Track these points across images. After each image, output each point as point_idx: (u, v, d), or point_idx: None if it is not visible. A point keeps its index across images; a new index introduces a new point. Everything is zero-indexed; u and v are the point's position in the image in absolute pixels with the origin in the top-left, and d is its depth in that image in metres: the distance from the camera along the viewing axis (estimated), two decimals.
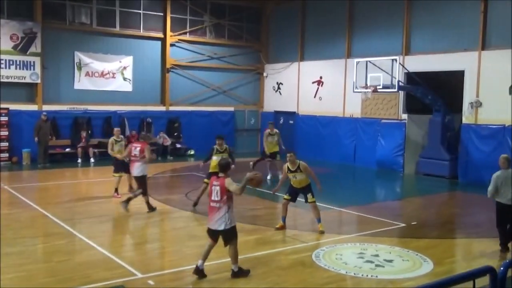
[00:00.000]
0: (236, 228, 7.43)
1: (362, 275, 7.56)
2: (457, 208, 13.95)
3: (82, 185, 15.81)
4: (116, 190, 13.12)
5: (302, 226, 10.65)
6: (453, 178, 17.37)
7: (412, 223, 11.07)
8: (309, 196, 10.06)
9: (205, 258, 7.38)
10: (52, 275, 7.37)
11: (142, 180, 11.57)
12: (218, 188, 7.20)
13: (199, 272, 7.28)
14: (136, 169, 11.53)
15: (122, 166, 12.95)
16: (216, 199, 7.21)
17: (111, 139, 13.45)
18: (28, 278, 7.20)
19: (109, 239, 9.43)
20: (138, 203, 12.52)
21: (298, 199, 10.34)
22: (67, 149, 19.82)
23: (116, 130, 13.88)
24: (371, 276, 7.54)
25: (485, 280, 3.60)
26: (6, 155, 18.60)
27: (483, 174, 16.53)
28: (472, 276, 3.55)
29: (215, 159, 11.47)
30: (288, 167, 10.05)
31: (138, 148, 11.52)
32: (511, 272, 3.70)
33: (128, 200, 11.29)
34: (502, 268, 3.60)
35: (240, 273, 7.38)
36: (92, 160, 19.45)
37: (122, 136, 13.84)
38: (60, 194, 14.15)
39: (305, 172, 9.98)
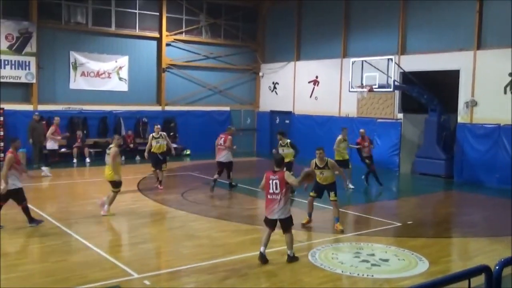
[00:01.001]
0: (292, 217, 8.15)
1: (358, 274, 7.57)
2: (453, 207, 13.99)
3: (78, 185, 15.77)
4: (160, 182, 14.34)
5: (299, 226, 10.65)
6: (448, 177, 17.43)
7: (408, 223, 11.10)
8: (331, 194, 10.26)
9: (266, 244, 8.03)
10: (49, 276, 7.35)
11: (229, 165, 14.20)
12: (277, 181, 7.93)
13: (263, 258, 7.94)
14: (222, 156, 14.13)
15: (157, 162, 14.27)
16: (276, 191, 7.92)
17: (151, 136, 14.61)
18: (25, 279, 7.18)
19: (106, 239, 9.42)
20: (135, 203, 12.52)
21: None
22: (63, 149, 19.74)
23: (156, 127, 14.75)
24: (367, 275, 7.56)
25: (480, 279, 3.62)
26: (1, 155, 18.51)
27: (478, 173, 16.66)
28: (467, 275, 3.56)
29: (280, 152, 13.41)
30: (316, 163, 10.22)
31: (223, 139, 14.19)
32: (506, 271, 3.72)
33: (214, 181, 13.97)
34: (497, 267, 3.61)
35: (294, 258, 8.04)
36: (87, 160, 19.40)
37: (162, 133, 14.67)
38: (56, 194, 14.12)
39: (332, 169, 10.20)
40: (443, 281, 3.39)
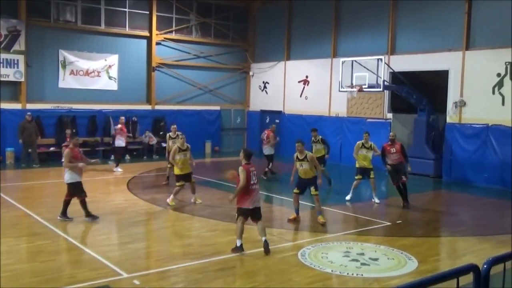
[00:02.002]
0: None
1: (348, 273, 7.59)
2: (442, 206, 14.07)
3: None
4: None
5: (288, 225, 10.67)
6: (437, 177, 17.54)
7: (397, 222, 11.17)
8: (312, 188, 10.60)
9: (242, 235, 8.46)
10: (37, 275, 7.30)
11: (269, 157, 16.51)
12: (255, 172, 8.68)
13: (240, 248, 8.37)
14: (265, 149, 16.62)
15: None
16: (255, 181, 8.62)
17: (167, 135, 15.14)
18: (13, 279, 7.12)
19: (94, 239, 9.37)
20: (124, 202, 12.45)
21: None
22: (52, 148, 19.63)
23: (173, 127, 15.24)
24: (357, 274, 7.58)
25: (469, 278, 3.64)
26: None
27: (467, 172, 16.78)
28: (456, 274, 3.57)
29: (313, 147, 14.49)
30: (297, 156, 10.66)
31: (265, 135, 16.60)
32: (494, 270, 3.74)
33: (265, 173, 16.23)
34: (485, 266, 3.64)
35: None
36: None
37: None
38: (44, 193, 14.00)
39: (311, 162, 10.50)
40: (432, 280, 3.40)
